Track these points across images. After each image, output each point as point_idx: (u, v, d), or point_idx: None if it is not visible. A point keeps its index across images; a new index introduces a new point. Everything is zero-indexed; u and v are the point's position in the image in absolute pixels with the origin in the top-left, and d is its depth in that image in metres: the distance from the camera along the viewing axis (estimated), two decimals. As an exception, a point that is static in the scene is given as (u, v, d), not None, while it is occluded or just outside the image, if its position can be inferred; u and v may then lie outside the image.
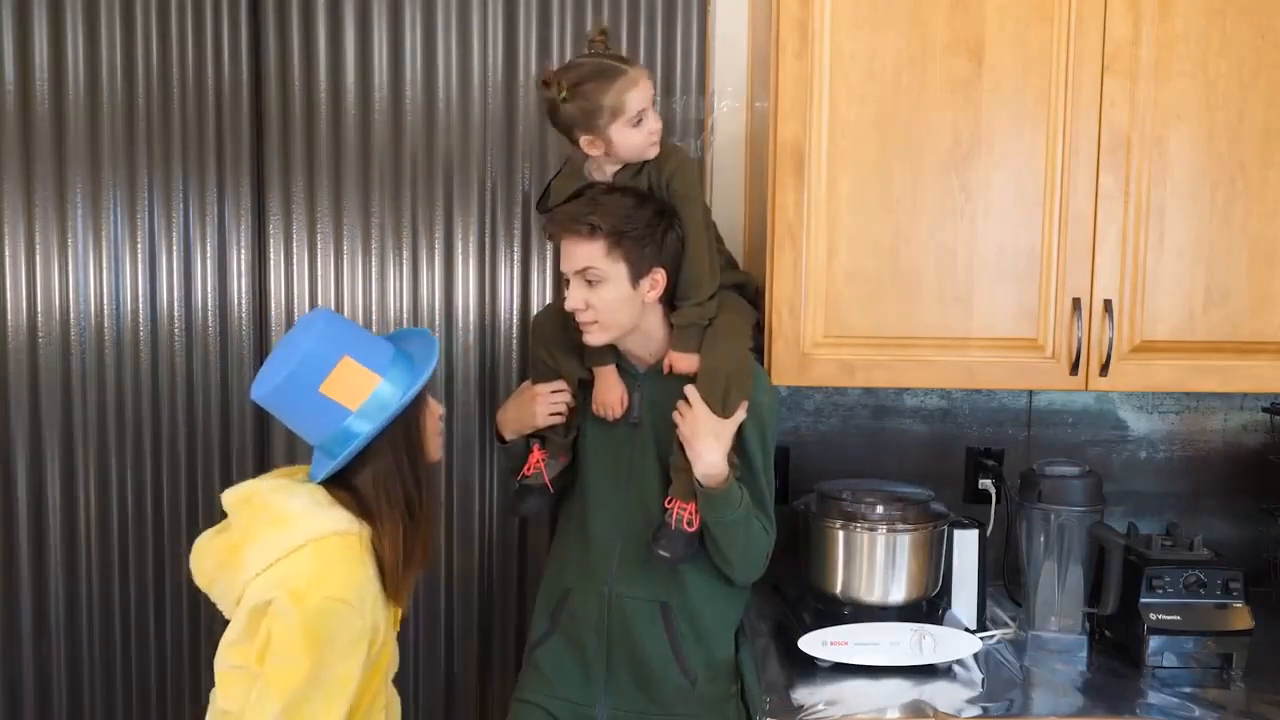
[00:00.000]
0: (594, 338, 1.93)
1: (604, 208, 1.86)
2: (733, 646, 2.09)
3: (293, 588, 1.55)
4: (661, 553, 1.91)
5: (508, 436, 2.11)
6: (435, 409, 1.76)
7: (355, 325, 1.76)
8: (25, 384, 2.37)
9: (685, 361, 1.93)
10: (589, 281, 1.87)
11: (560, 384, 2.04)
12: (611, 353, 2.00)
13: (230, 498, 1.69)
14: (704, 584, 2.00)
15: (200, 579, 1.70)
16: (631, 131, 1.88)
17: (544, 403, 2.03)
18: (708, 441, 1.86)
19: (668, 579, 1.98)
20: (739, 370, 1.92)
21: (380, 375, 1.63)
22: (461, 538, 2.47)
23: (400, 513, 1.66)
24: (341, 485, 1.67)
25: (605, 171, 1.95)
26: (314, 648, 1.54)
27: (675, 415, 1.91)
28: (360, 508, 1.65)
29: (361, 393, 1.62)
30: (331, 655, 1.55)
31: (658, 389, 1.98)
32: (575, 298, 1.89)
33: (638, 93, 1.87)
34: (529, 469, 2.06)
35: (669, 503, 1.93)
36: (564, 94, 1.84)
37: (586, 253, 1.86)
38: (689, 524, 1.91)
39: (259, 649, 1.57)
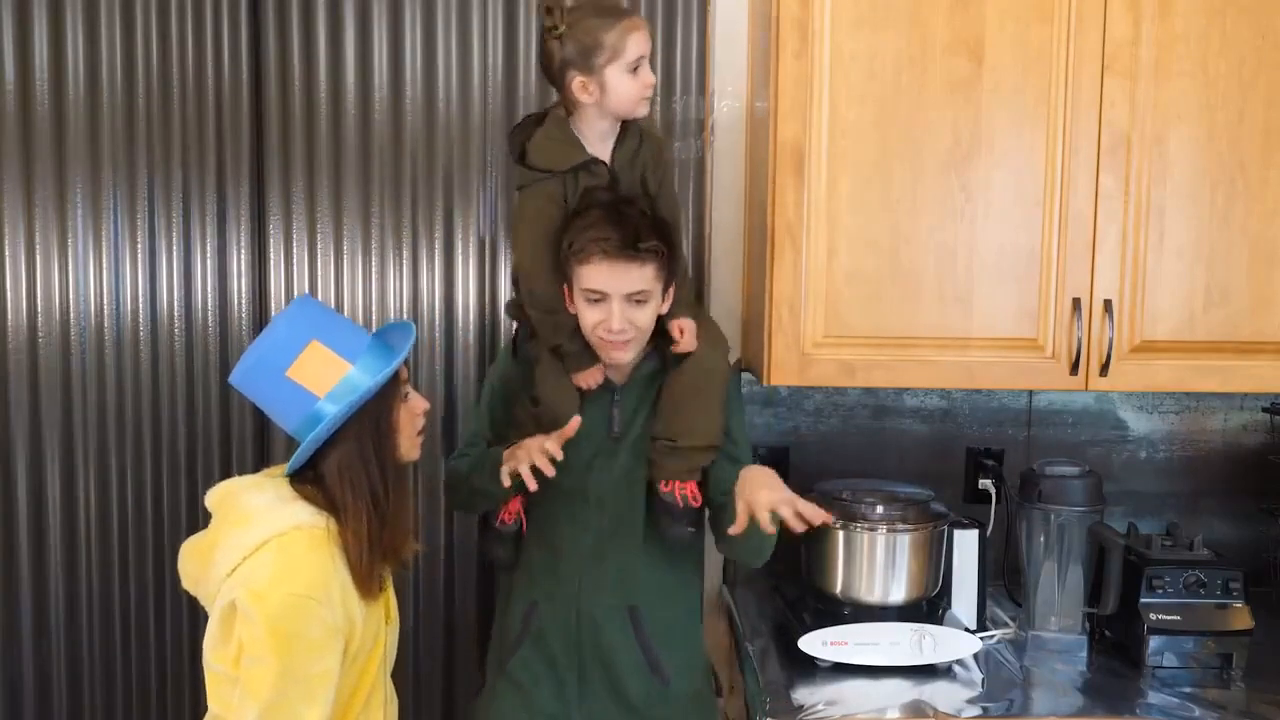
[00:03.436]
0: (622, 355, 1.89)
1: (647, 228, 1.82)
2: (702, 642, 2.10)
3: (253, 587, 1.53)
4: (690, 529, 1.94)
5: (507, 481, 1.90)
6: (417, 405, 1.72)
7: (332, 312, 1.73)
8: (25, 384, 2.37)
9: (691, 326, 1.94)
10: (636, 302, 1.85)
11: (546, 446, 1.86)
12: (591, 358, 1.94)
13: (210, 497, 1.68)
14: (667, 582, 2.00)
15: (186, 581, 1.69)
16: (627, 79, 1.83)
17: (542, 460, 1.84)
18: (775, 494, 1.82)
19: (633, 582, 1.97)
20: (725, 349, 2.00)
21: (351, 362, 1.61)
22: (461, 531, 2.47)
23: (365, 504, 1.62)
24: (311, 476, 1.64)
25: (595, 129, 1.90)
26: (282, 646, 1.51)
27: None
28: (326, 498, 1.62)
29: (330, 378, 1.60)
30: (302, 652, 1.53)
31: (637, 399, 1.97)
32: (620, 318, 1.84)
33: (639, 37, 1.83)
34: (508, 516, 1.99)
35: (666, 486, 1.93)
36: (564, 26, 1.80)
37: (640, 277, 1.83)
38: (694, 499, 1.93)
39: (234, 653, 1.56)
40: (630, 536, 1.96)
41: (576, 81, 1.83)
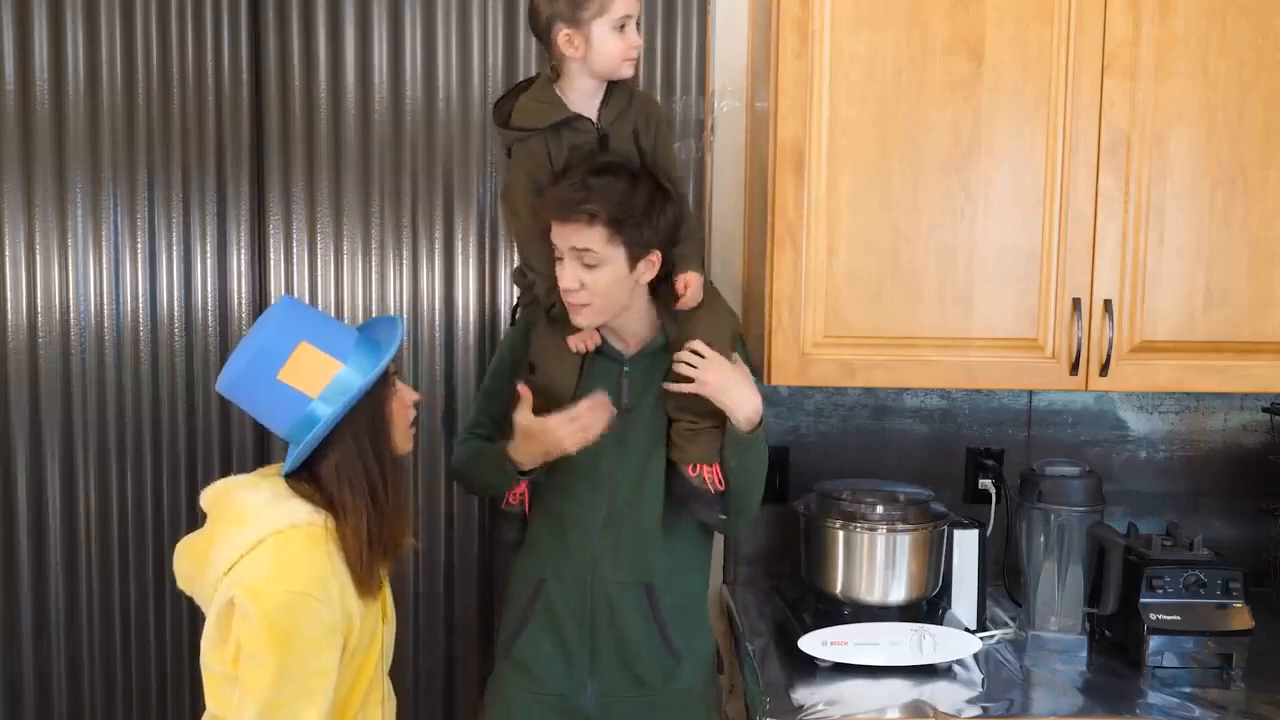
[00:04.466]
0: (584, 319, 1.89)
1: (598, 193, 1.81)
2: (710, 626, 2.10)
3: (250, 586, 1.53)
4: (722, 516, 1.95)
5: (527, 466, 1.93)
6: (407, 397, 1.73)
7: (317, 312, 1.73)
8: (25, 384, 2.37)
9: (697, 280, 1.92)
10: (586, 265, 1.84)
11: (572, 413, 1.88)
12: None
13: (205, 497, 1.68)
14: (679, 560, 2.01)
15: (181, 581, 1.69)
16: (613, 36, 1.84)
17: (571, 435, 1.87)
18: (746, 386, 1.88)
19: (649, 560, 1.97)
20: (734, 320, 2.00)
21: (341, 361, 1.61)
22: (462, 528, 2.48)
23: (364, 501, 1.62)
24: (307, 475, 1.64)
25: (580, 89, 1.90)
26: (280, 644, 1.51)
27: (689, 374, 1.86)
28: (323, 497, 1.62)
29: (322, 378, 1.59)
30: (300, 650, 1.53)
31: (646, 372, 1.97)
32: (570, 277, 1.85)
33: None
34: (514, 498, 2.02)
35: (693, 470, 1.93)
36: None
37: (584, 237, 1.83)
38: (719, 482, 1.93)
39: (232, 652, 1.56)
40: (645, 514, 1.96)
41: (562, 35, 1.85)
